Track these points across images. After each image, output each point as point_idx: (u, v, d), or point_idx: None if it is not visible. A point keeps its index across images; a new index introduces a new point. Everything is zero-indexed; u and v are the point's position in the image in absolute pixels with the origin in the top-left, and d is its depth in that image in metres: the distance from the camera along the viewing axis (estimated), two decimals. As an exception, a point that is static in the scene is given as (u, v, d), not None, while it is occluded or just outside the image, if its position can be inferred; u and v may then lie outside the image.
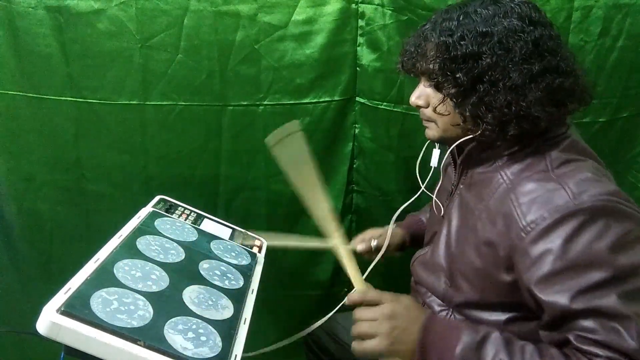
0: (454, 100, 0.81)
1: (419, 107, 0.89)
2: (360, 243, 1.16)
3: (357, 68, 1.36)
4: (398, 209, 1.03)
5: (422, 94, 0.87)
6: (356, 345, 0.77)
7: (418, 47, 0.85)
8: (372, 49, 1.33)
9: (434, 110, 0.85)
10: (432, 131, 0.90)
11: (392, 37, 1.31)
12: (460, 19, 0.79)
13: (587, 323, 0.69)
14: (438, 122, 0.87)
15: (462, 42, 0.77)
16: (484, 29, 0.76)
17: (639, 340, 0.67)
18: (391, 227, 1.10)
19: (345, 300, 0.82)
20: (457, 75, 0.78)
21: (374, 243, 1.14)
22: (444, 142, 0.92)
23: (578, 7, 1.26)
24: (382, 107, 1.38)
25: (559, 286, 0.71)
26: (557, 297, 0.71)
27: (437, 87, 0.83)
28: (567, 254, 0.71)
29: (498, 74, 0.76)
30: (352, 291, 0.84)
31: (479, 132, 0.81)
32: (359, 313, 0.78)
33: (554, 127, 0.83)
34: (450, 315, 0.91)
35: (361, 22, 1.31)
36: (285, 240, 1.27)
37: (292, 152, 0.97)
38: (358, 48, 1.34)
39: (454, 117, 0.84)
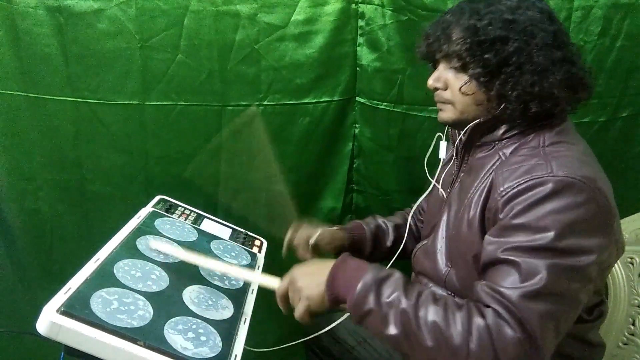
0: (480, 79, 0.84)
1: (436, 89, 0.92)
2: (298, 239, 1.13)
3: (357, 68, 1.36)
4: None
5: (441, 77, 0.90)
6: (297, 317, 0.83)
7: (444, 30, 0.88)
8: (372, 49, 1.33)
9: (459, 89, 0.88)
10: (447, 113, 0.92)
11: (392, 37, 1.31)
12: (488, 6, 0.85)
13: (502, 272, 0.73)
14: (457, 103, 0.89)
15: (489, 27, 0.82)
16: (510, 17, 0.82)
17: (538, 305, 0.69)
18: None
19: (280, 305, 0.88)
20: (486, 56, 0.82)
21: (311, 241, 1.11)
22: (456, 125, 0.94)
23: (578, 7, 1.27)
24: (382, 107, 1.38)
25: (501, 238, 0.76)
26: (494, 245, 0.76)
27: (463, 68, 0.86)
28: (524, 215, 0.74)
29: (523, 58, 0.81)
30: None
31: (500, 110, 0.85)
32: (288, 300, 0.85)
33: (554, 115, 0.86)
34: None
35: (361, 22, 1.31)
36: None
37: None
38: (358, 48, 1.34)
39: (477, 96, 0.87)
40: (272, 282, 0.89)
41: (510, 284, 0.72)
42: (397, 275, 0.78)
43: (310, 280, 0.83)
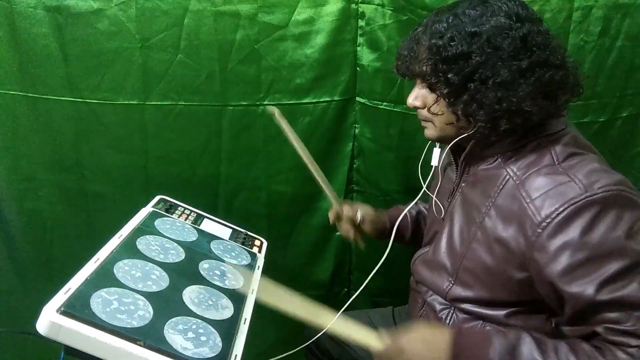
0: (447, 99, 0.83)
1: (416, 107, 0.91)
2: (348, 207, 1.17)
3: (357, 68, 1.36)
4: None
5: (419, 95, 0.89)
6: None
7: (411, 50, 0.87)
8: (372, 49, 1.33)
9: (429, 110, 0.87)
10: (430, 131, 0.92)
11: (392, 37, 1.31)
12: (450, 20, 0.81)
13: (614, 314, 0.72)
14: (435, 121, 0.89)
15: (452, 43, 0.79)
16: (473, 29, 0.78)
17: None
18: (396, 227, 1.11)
19: None
20: (449, 76, 0.80)
21: (359, 214, 1.15)
22: (442, 142, 0.93)
23: (578, 7, 1.26)
24: (382, 107, 1.38)
25: (581, 278, 0.73)
26: (582, 289, 0.73)
27: (431, 88, 0.85)
28: (586, 245, 0.73)
29: (488, 72, 0.78)
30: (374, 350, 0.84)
31: (473, 129, 0.83)
32: None
33: (552, 121, 0.84)
34: (452, 313, 0.91)
35: (361, 22, 1.31)
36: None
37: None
38: (358, 48, 1.34)
39: (447, 116, 0.85)
40: (371, 340, 0.83)
41: (631, 320, 0.71)
42: (526, 337, 0.75)
43: (425, 353, 0.78)
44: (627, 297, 0.71)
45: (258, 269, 1.08)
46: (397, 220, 1.13)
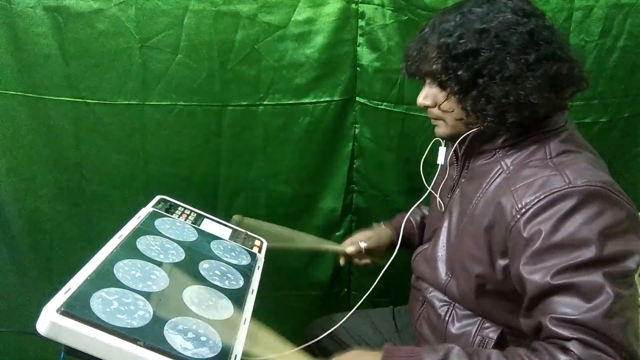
0: (457, 96, 0.84)
1: (426, 107, 0.92)
2: (349, 245, 1.19)
3: (357, 68, 1.35)
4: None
5: (429, 94, 0.90)
6: None
7: (420, 50, 0.88)
8: (372, 49, 1.33)
9: (439, 107, 0.88)
10: (441, 129, 0.93)
11: (392, 37, 1.30)
12: (458, 19, 0.82)
13: (562, 300, 0.70)
14: (446, 119, 0.90)
15: (461, 41, 0.81)
16: (481, 26, 0.80)
17: (617, 320, 0.68)
18: (402, 231, 1.11)
19: None
20: (459, 72, 0.81)
21: (363, 245, 1.17)
22: (453, 139, 0.94)
23: (579, 7, 1.26)
24: (382, 107, 1.38)
25: (542, 264, 0.73)
26: (539, 274, 0.73)
27: (441, 86, 0.86)
28: (557, 233, 0.73)
29: (496, 67, 0.79)
30: None
31: (482, 124, 0.84)
32: None
33: (554, 118, 0.85)
34: (452, 310, 0.91)
35: (361, 22, 1.31)
36: (286, 242, 1.27)
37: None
38: (358, 48, 1.34)
39: (458, 112, 0.87)
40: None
41: (578, 309, 0.69)
42: (454, 349, 0.75)
43: None
44: (579, 285, 0.69)
45: (258, 269, 1.08)
46: (408, 227, 1.16)
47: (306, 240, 1.21)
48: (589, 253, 0.70)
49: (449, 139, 0.96)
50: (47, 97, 1.30)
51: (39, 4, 1.22)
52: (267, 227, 1.17)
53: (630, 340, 0.68)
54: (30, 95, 1.30)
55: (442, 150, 1.02)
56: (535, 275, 0.73)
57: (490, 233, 0.82)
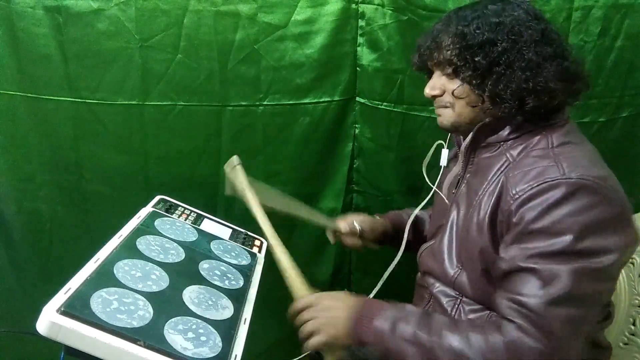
0: (473, 82, 0.85)
1: (434, 97, 0.93)
2: (344, 223, 1.17)
3: (357, 68, 1.36)
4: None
5: (437, 84, 0.92)
6: (307, 344, 0.85)
7: (434, 39, 0.90)
8: (372, 49, 1.33)
9: (452, 93, 0.89)
10: (446, 117, 0.93)
11: (392, 37, 1.31)
12: (474, 13, 0.86)
13: (523, 281, 0.74)
14: (455, 106, 0.90)
15: (477, 31, 0.84)
16: (497, 20, 0.84)
17: (561, 310, 0.70)
18: (407, 232, 1.11)
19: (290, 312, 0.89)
20: (476, 59, 0.84)
21: (357, 226, 1.16)
22: (456, 130, 0.94)
23: (578, 7, 1.27)
24: (382, 107, 1.38)
25: (519, 245, 0.76)
26: (513, 253, 0.76)
27: (455, 73, 0.87)
28: (541, 220, 0.74)
29: (513, 57, 0.82)
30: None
31: (498, 110, 0.86)
32: (302, 316, 0.87)
33: (559, 114, 0.87)
34: (459, 305, 0.92)
35: (361, 22, 1.31)
36: (278, 205, 1.19)
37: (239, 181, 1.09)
38: (358, 48, 1.34)
39: (471, 98, 0.88)
40: (297, 288, 0.90)
41: (530, 291, 0.72)
42: (414, 310, 0.82)
43: (331, 309, 0.86)
44: (542, 271, 0.72)
45: (258, 269, 1.08)
46: (401, 223, 1.16)
47: (300, 209, 1.19)
48: (562, 243, 0.72)
49: (452, 130, 0.96)
50: (46, 97, 1.30)
51: (39, 3, 1.22)
52: (263, 187, 1.14)
53: (566, 332, 0.71)
54: (29, 95, 1.30)
55: (444, 152, 1.03)
56: (509, 254, 0.77)
57: (494, 220, 0.84)
